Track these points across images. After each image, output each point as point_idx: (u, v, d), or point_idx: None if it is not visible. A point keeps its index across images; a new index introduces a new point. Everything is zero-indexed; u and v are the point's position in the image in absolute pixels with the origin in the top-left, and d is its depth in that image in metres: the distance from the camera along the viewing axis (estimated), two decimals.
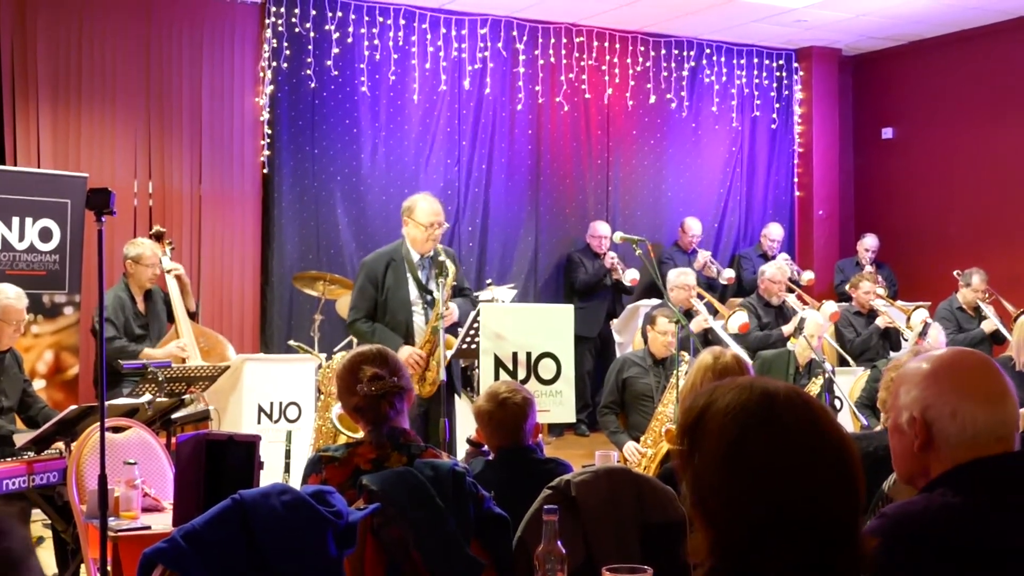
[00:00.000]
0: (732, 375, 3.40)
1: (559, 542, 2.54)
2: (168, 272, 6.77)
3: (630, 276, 9.34)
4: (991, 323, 8.49)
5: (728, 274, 9.91)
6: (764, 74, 11.03)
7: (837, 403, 6.59)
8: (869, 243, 10.35)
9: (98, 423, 3.81)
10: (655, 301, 8.60)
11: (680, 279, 7.81)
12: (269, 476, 5.06)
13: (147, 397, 5.14)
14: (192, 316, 6.92)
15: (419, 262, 5.77)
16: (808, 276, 9.79)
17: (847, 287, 9.16)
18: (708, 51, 10.74)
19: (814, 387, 6.51)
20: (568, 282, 9.80)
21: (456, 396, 6.10)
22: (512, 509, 3.10)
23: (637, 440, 6.15)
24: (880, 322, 8.38)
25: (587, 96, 10.23)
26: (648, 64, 10.47)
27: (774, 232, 10.33)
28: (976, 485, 1.93)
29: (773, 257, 9.93)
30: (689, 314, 7.57)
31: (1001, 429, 1.98)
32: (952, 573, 1.86)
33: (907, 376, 2.06)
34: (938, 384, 2.01)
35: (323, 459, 3.16)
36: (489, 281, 8.84)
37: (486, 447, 3.93)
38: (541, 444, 3.96)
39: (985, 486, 1.93)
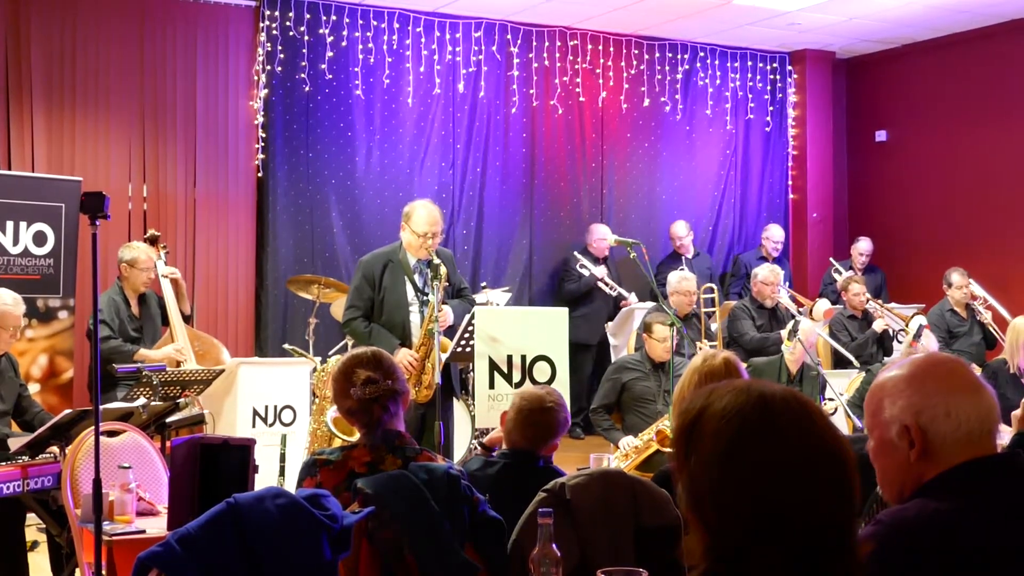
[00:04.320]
0: (719, 378, 3.39)
1: (554, 545, 2.54)
2: (165, 276, 6.76)
3: (632, 300, 9.32)
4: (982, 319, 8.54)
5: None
6: (758, 77, 11.05)
7: (830, 405, 6.59)
8: (863, 247, 10.26)
9: (92, 427, 3.80)
10: (650, 304, 8.61)
11: (682, 285, 7.60)
12: (264, 480, 5.06)
13: (142, 401, 5.13)
14: (187, 319, 6.91)
15: (415, 265, 5.78)
16: (824, 306, 9.29)
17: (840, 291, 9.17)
18: (702, 54, 10.76)
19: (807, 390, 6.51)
20: (559, 287, 9.81)
21: (454, 399, 6.11)
22: (507, 511, 3.10)
23: None
24: (877, 326, 8.36)
25: (581, 99, 10.24)
26: (642, 67, 10.48)
27: (776, 234, 10.28)
28: (967, 488, 1.93)
29: (777, 259, 9.92)
30: (687, 318, 7.54)
31: (987, 421, 1.99)
32: None
33: (887, 388, 2.02)
34: (924, 387, 1.99)
35: (318, 462, 3.17)
36: (484, 284, 8.84)
37: (495, 453, 3.90)
38: (551, 460, 3.87)
39: (976, 489, 1.93)
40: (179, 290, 6.84)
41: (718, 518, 1.60)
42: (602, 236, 9.53)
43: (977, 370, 5.98)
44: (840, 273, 10.00)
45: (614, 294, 9.44)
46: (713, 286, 8.57)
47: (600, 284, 9.45)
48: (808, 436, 1.60)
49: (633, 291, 9.53)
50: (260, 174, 9.04)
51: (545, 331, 5.84)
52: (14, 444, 4.93)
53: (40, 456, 4.74)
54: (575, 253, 9.65)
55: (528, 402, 3.68)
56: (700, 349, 7.13)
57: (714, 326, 8.13)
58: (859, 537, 1.72)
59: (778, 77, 11.14)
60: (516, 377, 5.66)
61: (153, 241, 6.88)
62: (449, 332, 5.75)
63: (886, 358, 8.14)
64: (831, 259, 10.50)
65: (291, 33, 9.06)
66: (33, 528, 5.58)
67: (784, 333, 7.82)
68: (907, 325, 8.07)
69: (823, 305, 8.23)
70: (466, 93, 9.75)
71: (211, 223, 8.82)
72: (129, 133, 8.53)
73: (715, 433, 1.61)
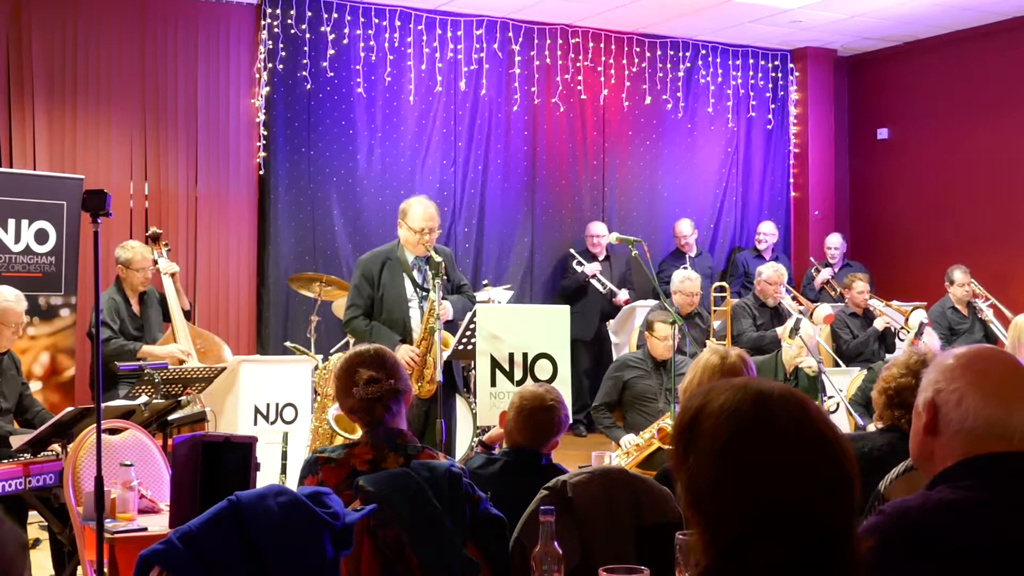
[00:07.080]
0: (738, 375, 3.38)
1: (556, 543, 2.54)
2: (165, 273, 6.76)
3: (623, 297, 9.40)
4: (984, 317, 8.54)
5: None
6: (759, 75, 11.04)
7: (830, 403, 6.58)
8: (833, 241, 10.32)
9: (94, 425, 3.80)
10: (652, 302, 8.61)
11: (685, 285, 7.50)
12: (265, 477, 5.06)
13: (143, 399, 5.14)
14: (185, 315, 6.91)
15: (413, 262, 5.78)
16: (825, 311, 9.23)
17: (841, 289, 9.16)
18: (703, 52, 10.75)
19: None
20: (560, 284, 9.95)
21: (457, 396, 6.11)
22: (509, 508, 3.10)
23: None
24: (879, 324, 8.35)
25: (583, 97, 10.24)
26: (644, 65, 10.48)
27: (765, 228, 10.35)
28: (975, 482, 1.94)
29: (775, 256, 9.92)
30: (689, 316, 7.54)
31: (1003, 430, 1.98)
32: (950, 570, 1.86)
33: (936, 362, 2.11)
34: (953, 371, 2.05)
35: (320, 460, 3.17)
36: (485, 282, 8.85)
37: (495, 450, 3.90)
38: (551, 458, 3.88)
39: (984, 483, 1.94)
40: (176, 286, 6.84)
41: (717, 515, 1.60)
42: (596, 233, 9.63)
43: None
44: (819, 272, 10.05)
45: (604, 291, 9.48)
46: (725, 284, 8.58)
47: (592, 281, 9.49)
48: (806, 433, 1.61)
49: (624, 288, 9.56)
50: (261, 172, 9.04)
51: (547, 329, 5.84)
52: (16, 442, 4.94)
53: (42, 454, 4.75)
54: (571, 251, 9.73)
55: (528, 401, 3.68)
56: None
57: (716, 323, 8.13)
58: (861, 528, 1.73)
59: (780, 75, 11.14)
60: (518, 375, 5.66)
61: (155, 239, 6.88)
62: (450, 327, 5.75)
63: (888, 356, 8.13)
64: (811, 258, 10.50)
65: (292, 31, 9.06)
66: (35, 526, 5.59)
67: (780, 331, 7.80)
68: (907, 321, 8.06)
69: (824, 310, 8.21)
70: (467, 91, 9.75)
71: (212, 221, 8.83)
72: (130, 131, 8.54)
73: (713, 431, 1.62)
